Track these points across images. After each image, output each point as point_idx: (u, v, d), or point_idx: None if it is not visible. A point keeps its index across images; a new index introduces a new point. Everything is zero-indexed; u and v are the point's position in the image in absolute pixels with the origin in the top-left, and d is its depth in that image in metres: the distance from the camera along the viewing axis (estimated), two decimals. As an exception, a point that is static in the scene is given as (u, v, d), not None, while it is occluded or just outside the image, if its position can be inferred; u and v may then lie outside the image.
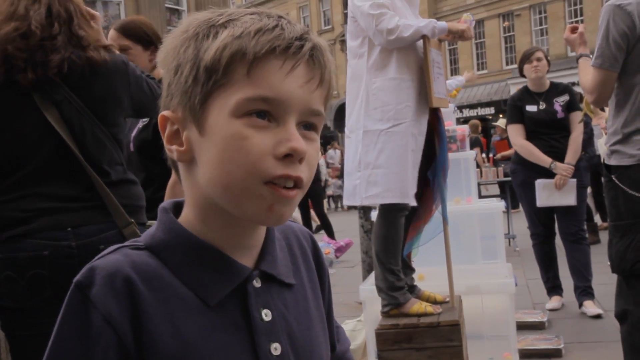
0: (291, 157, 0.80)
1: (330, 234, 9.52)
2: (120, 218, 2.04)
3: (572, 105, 4.93)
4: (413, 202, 3.12)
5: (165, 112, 0.85)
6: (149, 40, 2.93)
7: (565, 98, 4.93)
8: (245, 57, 0.78)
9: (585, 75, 2.87)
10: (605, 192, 2.81)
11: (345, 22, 3.38)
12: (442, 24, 3.15)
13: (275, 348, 0.86)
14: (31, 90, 1.97)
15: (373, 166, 3.07)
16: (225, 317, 0.84)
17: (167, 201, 0.92)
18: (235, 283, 0.85)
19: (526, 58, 5.04)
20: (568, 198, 4.79)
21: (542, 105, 4.93)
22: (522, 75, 5.13)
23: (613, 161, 2.72)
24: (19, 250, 1.93)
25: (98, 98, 2.06)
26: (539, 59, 4.96)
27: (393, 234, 3.14)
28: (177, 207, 0.90)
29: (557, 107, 4.90)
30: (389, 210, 3.14)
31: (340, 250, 8.20)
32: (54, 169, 2.01)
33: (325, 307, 1.01)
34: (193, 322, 0.81)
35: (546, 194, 4.82)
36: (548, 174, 4.81)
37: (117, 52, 2.20)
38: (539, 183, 4.84)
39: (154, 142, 2.83)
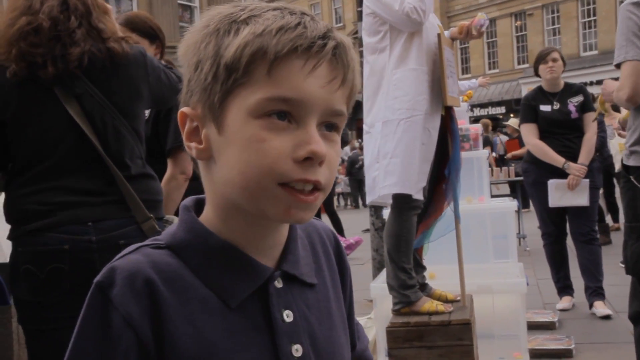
0: (311, 160, 0.78)
1: (340, 231, 9.52)
2: (140, 213, 2.04)
3: (586, 106, 4.92)
4: (418, 196, 3.11)
5: (184, 109, 0.84)
6: (154, 35, 2.94)
7: (579, 99, 4.91)
8: (266, 56, 0.76)
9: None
10: (623, 193, 2.76)
11: (358, 19, 3.36)
12: None
13: (297, 349, 0.85)
14: (52, 84, 1.98)
15: (391, 155, 3.06)
16: (246, 318, 0.83)
17: (189, 198, 0.91)
18: (256, 284, 0.84)
19: (542, 58, 5.01)
20: (580, 198, 4.78)
21: (556, 106, 4.91)
22: (537, 75, 5.11)
23: (632, 162, 2.67)
24: (40, 244, 1.93)
25: (118, 90, 2.07)
26: (554, 60, 4.94)
27: (405, 232, 3.13)
28: (199, 204, 0.89)
29: (571, 107, 4.89)
30: (402, 208, 3.13)
31: (350, 247, 8.21)
32: (75, 162, 2.01)
33: (347, 306, 1.00)
34: (214, 323, 0.81)
35: (559, 194, 4.80)
36: (560, 173, 4.79)
37: (133, 44, 2.20)
38: (552, 183, 4.82)
39: (152, 137, 2.84)
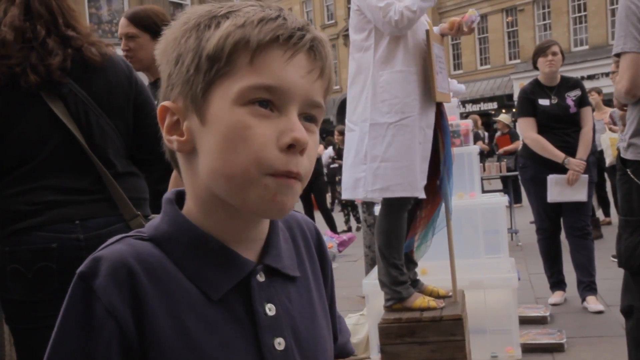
0: (294, 147, 0.79)
1: (333, 228, 9.53)
2: (127, 211, 2.04)
3: (584, 100, 4.91)
4: (422, 195, 3.12)
5: (165, 103, 0.84)
6: (157, 30, 2.93)
7: (577, 93, 4.89)
8: (249, 46, 0.78)
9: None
10: (618, 186, 2.73)
11: (349, 16, 3.36)
12: None
13: (279, 343, 0.85)
14: (38, 89, 1.96)
15: (381, 159, 3.05)
16: (228, 312, 0.83)
17: (170, 191, 0.91)
18: (238, 278, 0.84)
19: (542, 51, 4.96)
20: (579, 194, 4.76)
21: (554, 100, 4.88)
22: (535, 67, 5.06)
23: (629, 155, 2.62)
24: (27, 243, 1.93)
25: (102, 89, 2.06)
26: (554, 53, 4.90)
27: (396, 228, 3.14)
28: (180, 196, 0.90)
29: (570, 101, 4.86)
30: (393, 205, 3.13)
31: (343, 244, 8.21)
32: (62, 161, 2.00)
33: (328, 299, 1.01)
34: (196, 316, 0.81)
35: (558, 190, 4.77)
36: (558, 169, 4.76)
37: (107, 46, 2.18)
38: (551, 179, 4.79)
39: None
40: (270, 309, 0.86)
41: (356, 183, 3.13)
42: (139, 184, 2.17)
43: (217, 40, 0.79)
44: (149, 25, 2.93)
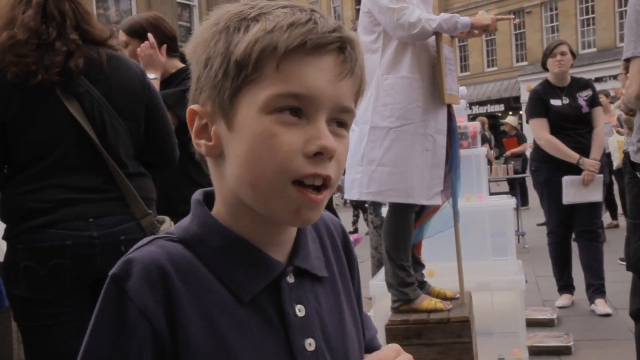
0: (321, 155, 0.78)
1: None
2: (139, 209, 2.07)
3: (595, 101, 4.88)
4: (420, 201, 3.10)
5: (194, 106, 0.84)
6: (144, 34, 2.98)
7: (588, 93, 4.86)
8: (276, 51, 0.77)
9: None
10: (628, 190, 2.71)
11: (356, 18, 3.35)
12: (465, 19, 3.08)
13: (310, 343, 0.85)
14: (53, 87, 1.99)
15: (378, 163, 3.05)
16: (258, 313, 0.83)
17: (198, 191, 0.90)
18: (269, 279, 0.84)
19: (550, 51, 4.93)
20: (595, 194, 4.73)
21: (566, 100, 4.84)
22: (545, 68, 5.02)
23: (639, 158, 2.62)
24: (40, 241, 1.95)
25: (116, 90, 2.10)
26: (563, 53, 4.87)
27: (403, 230, 3.13)
28: (209, 197, 0.89)
29: (581, 101, 4.82)
30: (400, 207, 3.13)
31: (349, 245, 8.20)
32: (76, 160, 2.03)
33: (355, 296, 1.01)
34: (227, 317, 0.81)
35: (573, 191, 4.73)
36: (572, 171, 4.73)
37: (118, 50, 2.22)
38: (566, 180, 4.74)
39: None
40: (300, 310, 0.86)
41: (352, 184, 3.14)
42: (147, 184, 2.21)
43: (245, 46, 0.78)
44: (137, 31, 2.98)
